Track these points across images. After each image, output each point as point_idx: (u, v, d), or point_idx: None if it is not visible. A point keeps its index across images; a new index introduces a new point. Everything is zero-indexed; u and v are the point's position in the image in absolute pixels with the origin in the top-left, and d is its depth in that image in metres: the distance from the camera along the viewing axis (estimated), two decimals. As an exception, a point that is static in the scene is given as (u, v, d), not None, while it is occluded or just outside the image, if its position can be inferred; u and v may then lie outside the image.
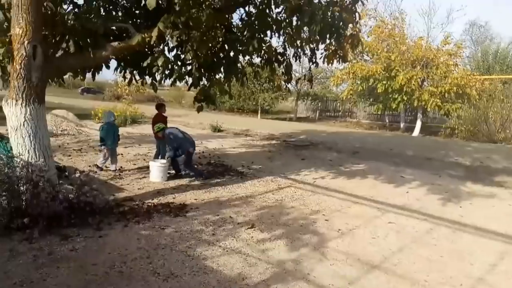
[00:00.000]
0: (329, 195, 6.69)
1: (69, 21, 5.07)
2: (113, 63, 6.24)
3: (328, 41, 6.77)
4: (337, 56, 7.45)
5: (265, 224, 5.01)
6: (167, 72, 6.09)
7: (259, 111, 25.85)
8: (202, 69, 6.75)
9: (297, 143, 12.68)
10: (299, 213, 5.61)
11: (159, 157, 8.16)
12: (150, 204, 5.50)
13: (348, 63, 18.25)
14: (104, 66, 5.98)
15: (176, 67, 6.27)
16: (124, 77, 6.22)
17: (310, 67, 8.40)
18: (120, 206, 5.29)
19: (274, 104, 26.73)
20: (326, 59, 7.51)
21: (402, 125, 20.82)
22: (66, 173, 5.61)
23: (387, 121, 24.15)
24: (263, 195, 6.45)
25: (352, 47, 7.28)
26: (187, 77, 7.96)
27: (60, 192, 4.46)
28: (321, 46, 7.26)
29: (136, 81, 6.75)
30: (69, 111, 20.81)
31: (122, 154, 9.27)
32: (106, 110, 6.62)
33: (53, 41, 4.98)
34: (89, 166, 7.79)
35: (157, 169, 6.88)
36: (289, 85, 8.68)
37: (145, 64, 5.58)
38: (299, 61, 8.68)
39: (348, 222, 5.30)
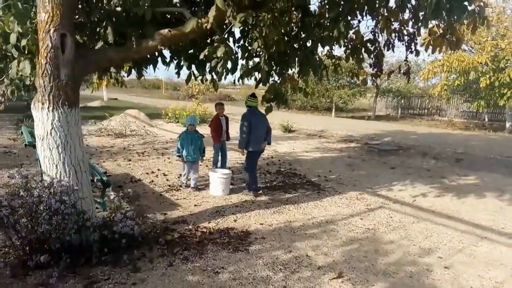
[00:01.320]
0: (440, 223, 4.97)
1: (108, 4, 4.12)
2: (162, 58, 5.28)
3: (436, 22, 5.08)
4: (446, 41, 5.65)
5: (357, 272, 3.56)
6: (229, 65, 4.92)
7: (333, 109, 23.94)
8: (272, 62, 5.48)
9: (382, 147, 10.82)
10: (403, 252, 4.04)
11: (218, 165, 7.12)
12: (205, 230, 4.37)
13: (442, 54, 15.73)
14: (152, 61, 5.01)
15: (241, 60, 5.07)
16: (178, 73, 5.20)
17: (406, 57, 6.66)
18: (169, 232, 4.25)
19: (351, 102, 24.56)
20: (431, 46, 5.75)
21: (508, 124, 17.43)
22: (110, 189, 4.73)
23: (486, 119, 20.66)
24: (348, 220, 4.96)
25: (474, 27, 5.40)
26: (255, 72, 6.87)
27: (91, 220, 3.50)
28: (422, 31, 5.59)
29: (195, 77, 5.70)
30: (143, 110, 21.35)
31: (178, 160, 8.42)
32: (189, 114, 5.59)
33: (88, 29, 4.07)
34: (147, 173, 7.01)
35: (217, 182, 5.78)
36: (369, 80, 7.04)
37: (202, 56, 4.45)
38: (392, 50, 7.00)
39: (483, 274, 3.61)
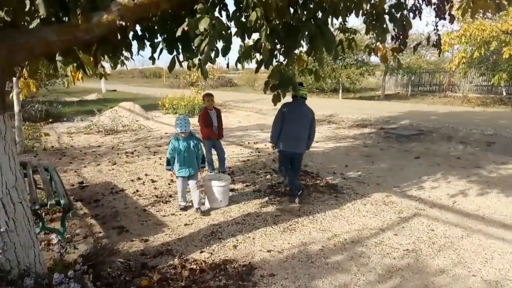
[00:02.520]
0: (497, 236, 3.89)
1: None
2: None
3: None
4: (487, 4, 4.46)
5: (408, 330, 2.51)
6: (220, 44, 3.78)
7: (340, 91, 22.63)
8: (276, 39, 4.35)
9: (401, 132, 9.67)
10: (461, 289, 2.99)
11: (215, 166, 6.09)
12: (195, 265, 3.33)
13: (460, 23, 14.34)
14: (125, 45, 3.88)
15: (237, 37, 3.95)
16: (153, 59, 4.08)
17: (436, 24, 5.47)
18: (147, 271, 3.21)
19: (359, 81, 23.19)
20: (469, 11, 4.58)
21: (532, 98, 16.10)
22: (70, 214, 3.68)
23: (504, 93, 19.31)
24: (379, 237, 3.90)
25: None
26: (255, 54, 5.73)
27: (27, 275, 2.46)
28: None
29: (180, 63, 4.58)
30: (141, 101, 20.25)
31: (177, 159, 7.38)
32: (179, 116, 4.22)
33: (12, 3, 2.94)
34: (132, 180, 5.97)
35: (213, 192, 4.72)
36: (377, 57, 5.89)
37: (179, 32, 3.33)
38: (419, 17, 5.82)
39: None
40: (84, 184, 5.70)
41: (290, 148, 4.81)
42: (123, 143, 9.28)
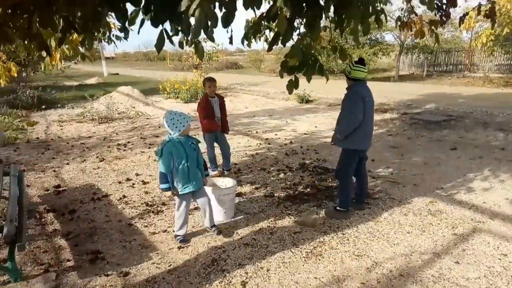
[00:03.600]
0: None
1: None
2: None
3: None
4: None
5: None
6: (219, 13, 2.74)
7: (352, 72, 21.31)
8: (296, 4, 3.30)
9: (428, 118, 8.58)
10: None
11: (219, 163, 5.14)
12: (188, 318, 2.39)
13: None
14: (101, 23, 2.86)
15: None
16: (126, 35, 3.07)
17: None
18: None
19: (373, 61, 21.84)
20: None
21: None
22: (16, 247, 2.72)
23: (529, 73, 17.96)
24: (434, 265, 2.93)
25: None
26: (265, 30, 4.67)
27: None
28: None
29: (170, 39, 3.53)
30: (143, 85, 19.22)
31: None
32: (172, 111, 3.20)
33: None
34: (120, 182, 5.02)
35: (218, 201, 3.74)
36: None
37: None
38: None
39: None
40: (61, 189, 4.77)
41: (365, 145, 3.80)
42: (116, 133, 8.32)
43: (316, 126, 8.49)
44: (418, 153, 6.08)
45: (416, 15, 5.17)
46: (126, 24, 2.80)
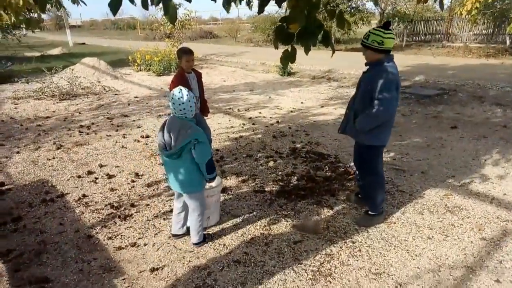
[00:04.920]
0: None
1: None
2: None
3: None
4: None
5: None
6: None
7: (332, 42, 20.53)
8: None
9: (420, 92, 8.05)
10: None
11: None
12: None
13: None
14: None
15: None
16: None
17: None
18: None
19: (353, 31, 21.07)
20: None
21: (545, 47, 14.57)
22: None
23: (508, 43, 17.75)
24: (473, 286, 2.39)
25: None
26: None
27: None
28: None
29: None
30: (112, 56, 17.76)
31: (139, 140, 5.61)
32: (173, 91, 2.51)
33: None
34: (79, 176, 4.22)
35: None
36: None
37: None
38: None
39: None
40: (5, 187, 3.92)
41: (389, 138, 2.97)
42: (79, 112, 7.36)
43: (302, 102, 7.80)
44: (417, 133, 5.55)
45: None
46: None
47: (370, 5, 22.16)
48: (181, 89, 2.56)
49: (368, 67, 2.87)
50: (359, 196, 3.42)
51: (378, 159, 3.02)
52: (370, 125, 2.78)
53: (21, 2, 4.52)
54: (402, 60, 13.45)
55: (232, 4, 3.38)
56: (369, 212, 3.12)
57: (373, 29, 2.76)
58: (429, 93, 7.90)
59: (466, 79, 8.89)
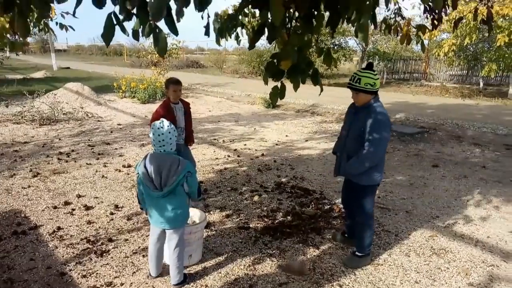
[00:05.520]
0: None
1: None
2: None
3: None
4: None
5: None
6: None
7: (316, 76, 21.06)
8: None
9: (401, 130, 8.24)
10: None
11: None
12: None
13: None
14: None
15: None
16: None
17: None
18: None
19: (336, 67, 21.73)
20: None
21: (513, 89, 15.30)
22: None
23: (481, 84, 18.65)
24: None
25: None
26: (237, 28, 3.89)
27: None
28: None
29: (121, 26, 2.64)
30: (96, 82, 17.61)
31: (120, 169, 5.47)
32: (158, 125, 2.46)
33: None
34: (55, 206, 4.02)
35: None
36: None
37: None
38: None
39: None
40: (-27, 218, 3.70)
41: (382, 176, 2.97)
42: (59, 138, 7.16)
43: (287, 135, 7.85)
44: (400, 171, 5.61)
45: (403, 18, 4.67)
46: (54, 3, 1.92)
47: (352, 43, 23.06)
48: (162, 121, 2.55)
49: (355, 107, 2.90)
50: (345, 235, 3.37)
51: (372, 199, 3.00)
52: (363, 167, 2.78)
53: (6, 25, 4.47)
54: (383, 97, 13.78)
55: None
56: (357, 253, 3.06)
57: (360, 71, 2.80)
58: (410, 131, 8.10)
59: (444, 118, 9.18)
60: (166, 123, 2.54)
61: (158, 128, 2.50)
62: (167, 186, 2.45)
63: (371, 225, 3.03)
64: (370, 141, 2.69)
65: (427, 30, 4.11)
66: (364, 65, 23.14)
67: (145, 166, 2.51)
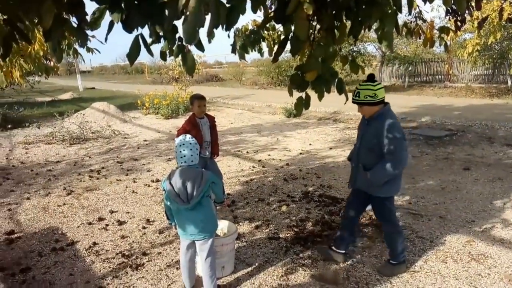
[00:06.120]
0: None
1: None
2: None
3: None
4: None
5: None
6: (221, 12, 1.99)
7: (335, 84, 20.94)
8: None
9: (428, 133, 8.07)
10: None
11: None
12: None
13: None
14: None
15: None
16: (82, 38, 2.30)
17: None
18: None
19: (355, 73, 21.54)
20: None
21: (547, 88, 14.75)
22: None
23: (509, 83, 18.04)
24: None
25: None
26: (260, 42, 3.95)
27: None
28: None
29: (148, 48, 2.75)
30: (120, 100, 18.16)
31: (149, 184, 5.58)
32: (183, 138, 2.58)
33: None
34: (90, 223, 4.15)
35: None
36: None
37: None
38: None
39: None
40: (14, 235, 3.86)
41: (400, 184, 2.93)
42: (89, 156, 7.40)
43: (310, 144, 7.82)
44: (430, 175, 5.48)
45: (424, 21, 4.62)
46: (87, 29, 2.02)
47: (371, 48, 22.86)
48: (185, 136, 2.62)
49: (368, 118, 2.87)
50: (333, 248, 3.22)
51: (393, 208, 2.94)
52: (387, 177, 2.72)
53: (40, 53, 4.72)
54: (406, 101, 13.65)
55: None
56: (391, 261, 3.00)
57: (360, 84, 2.80)
58: (438, 134, 7.91)
59: (473, 120, 8.93)
60: (187, 138, 2.62)
61: (180, 144, 2.58)
62: (194, 199, 2.50)
63: (400, 232, 2.96)
64: (392, 152, 2.65)
65: (450, 32, 4.05)
66: (384, 70, 22.78)
67: (170, 183, 2.57)
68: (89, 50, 5.18)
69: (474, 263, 3.09)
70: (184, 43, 1.76)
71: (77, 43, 4.32)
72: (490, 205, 4.29)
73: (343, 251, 3.15)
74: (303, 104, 2.80)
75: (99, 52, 5.50)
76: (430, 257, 3.21)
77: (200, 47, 2.12)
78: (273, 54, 2.83)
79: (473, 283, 2.82)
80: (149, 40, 2.16)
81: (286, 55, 24.38)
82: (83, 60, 3.83)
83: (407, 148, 2.72)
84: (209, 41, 1.89)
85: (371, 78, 2.80)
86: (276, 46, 2.91)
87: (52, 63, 5.55)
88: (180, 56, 2.53)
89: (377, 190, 2.83)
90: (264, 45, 4.22)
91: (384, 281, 2.88)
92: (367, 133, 2.83)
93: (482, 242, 3.44)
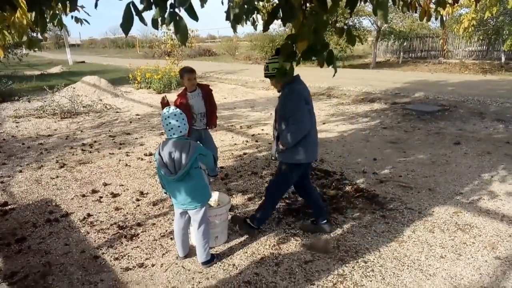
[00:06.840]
0: None
1: None
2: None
3: None
4: None
5: None
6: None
7: (330, 59, 20.72)
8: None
9: (421, 108, 8.10)
10: None
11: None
12: None
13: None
14: None
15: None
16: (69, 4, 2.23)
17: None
18: None
19: (350, 49, 21.35)
20: None
21: (540, 64, 14.75)
22: None
23: (503, 59, 18.04)
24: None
25: None
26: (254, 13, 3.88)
27: None
28: None
29: (140, 16, 2.67)
30: (111, 74, 17.86)
31: (142, 158, 5.58)
32: (167, 113, 2.57)
33: None
34: (84, 195, 4.17)
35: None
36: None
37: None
38: None
39: None
40: (8, 207, 3.87)
41: (313, 156, 3.06)
42: (81, 130, 7.35)
43: (304, 119, 7.81)
44: (421, 149, 5.55)
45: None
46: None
47: (366, 23, 22.57)
48: (169, 108, 2.63)
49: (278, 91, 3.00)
50: (315, 223, 3.29)
51: (290, 181, 3.09)
52: (288, 143, 2.86)
53: (24, 22, 4.57)
54: (401, 77, 13.62)
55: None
56: (247, 219, 3.20)
57: (269, 59, 2.96)
58: (430, 109, 7.95)
59: (465, 95, 8.97)
60: (171, 109, 2.61)
61: (165, 117, 2.58)
62: (181, 170, 2.52)
63: (273, 203, 3.22)
64: (288, 116, 2.82)
65: (447, 5, 4.00)
66: (378, 45, 22.49)
67: (159, 153, 2.58)
68: (77, 20, 5.04)
69: (460, 233, 3.19)
70: (176, 4, 1.72)
71: (63, 13, 4.19)
72: (478, 178, 4.39)
73: (324, 221, 3.23)
74: (287, 72, 2.79)
75: (88, 23, 5.35)
76: (418, 227, 3.30)
77: (194, 15, 2.07)
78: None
79: (458, 251, 2.92)
80: (140, 7, 2.11)
81: (280, 28, 24.02)
82: (68, 32, 3.73)
83: (304, 114, 2.82)
84: (202, 6, 1.84)
85: (278, 52, 2.89)
86: (269, 16, 2.86)
87: (37, 35, 5.39)
88: (172, 25, 2.48)
89: (280, 155, 3.00)
90: (259, 17, 4.15)
91: (373, 250, 2.97)
92: (278, 104, 2.95)
93: (469, 213, 3.54)
